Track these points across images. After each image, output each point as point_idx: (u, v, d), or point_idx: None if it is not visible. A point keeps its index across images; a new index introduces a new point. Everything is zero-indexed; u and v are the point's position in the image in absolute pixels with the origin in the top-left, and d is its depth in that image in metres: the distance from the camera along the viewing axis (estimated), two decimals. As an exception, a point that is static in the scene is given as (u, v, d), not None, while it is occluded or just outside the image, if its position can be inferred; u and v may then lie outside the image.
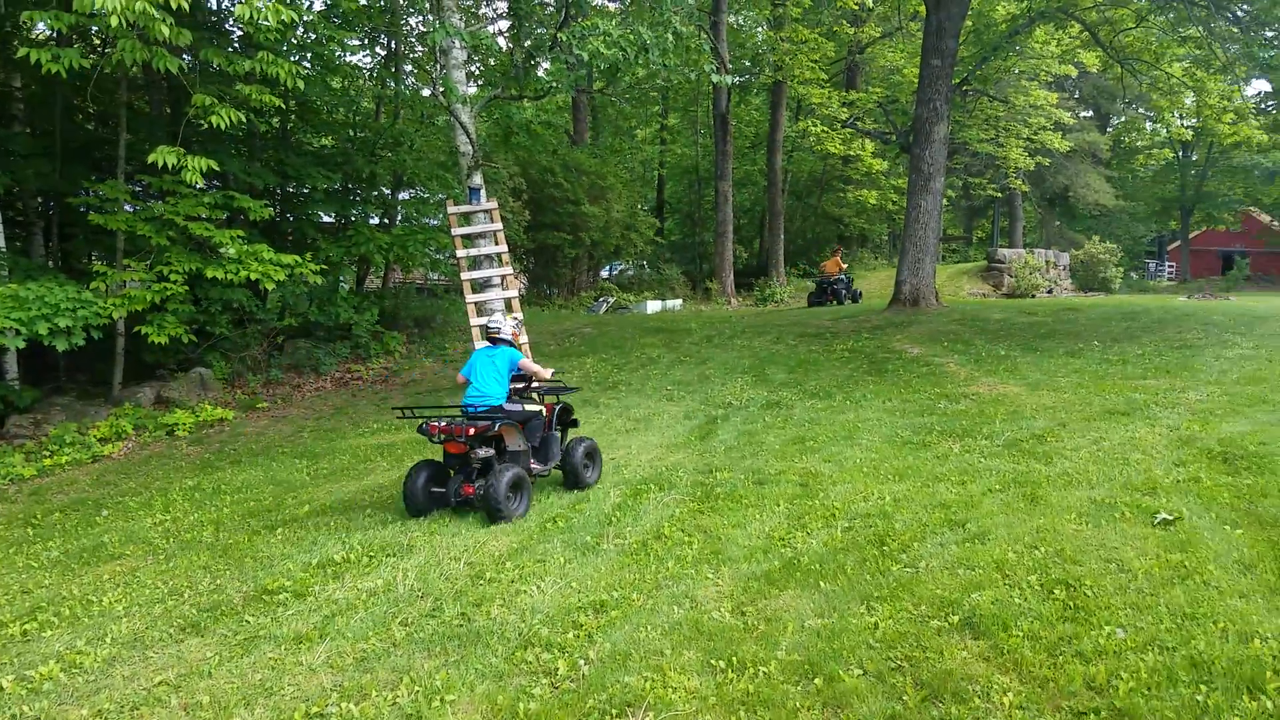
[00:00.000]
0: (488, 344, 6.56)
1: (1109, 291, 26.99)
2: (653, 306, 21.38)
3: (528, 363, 6.46)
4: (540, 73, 10.52)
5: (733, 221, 24.79)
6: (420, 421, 6.05)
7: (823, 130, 23.08)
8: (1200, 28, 12.99)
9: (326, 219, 14.22)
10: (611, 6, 24.88)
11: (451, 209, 10.68)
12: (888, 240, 37.58)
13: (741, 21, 27.98)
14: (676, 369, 12.03)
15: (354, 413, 10.62)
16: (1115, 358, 10.59)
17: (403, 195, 15.28)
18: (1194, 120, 26.93)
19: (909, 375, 10.47)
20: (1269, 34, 11.25)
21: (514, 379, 6.44)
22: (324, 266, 10.72)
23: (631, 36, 8.76)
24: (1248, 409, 7.40)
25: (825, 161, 28.48)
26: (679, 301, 22.64)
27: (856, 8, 20.82)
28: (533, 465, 6.37)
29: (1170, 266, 47.30)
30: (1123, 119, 44.36)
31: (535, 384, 6.75)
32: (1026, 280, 23.34)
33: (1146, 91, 19.80)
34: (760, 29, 24.68)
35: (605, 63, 8.88)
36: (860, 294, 21.87)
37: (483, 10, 21.32)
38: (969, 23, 17.73)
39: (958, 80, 16.87)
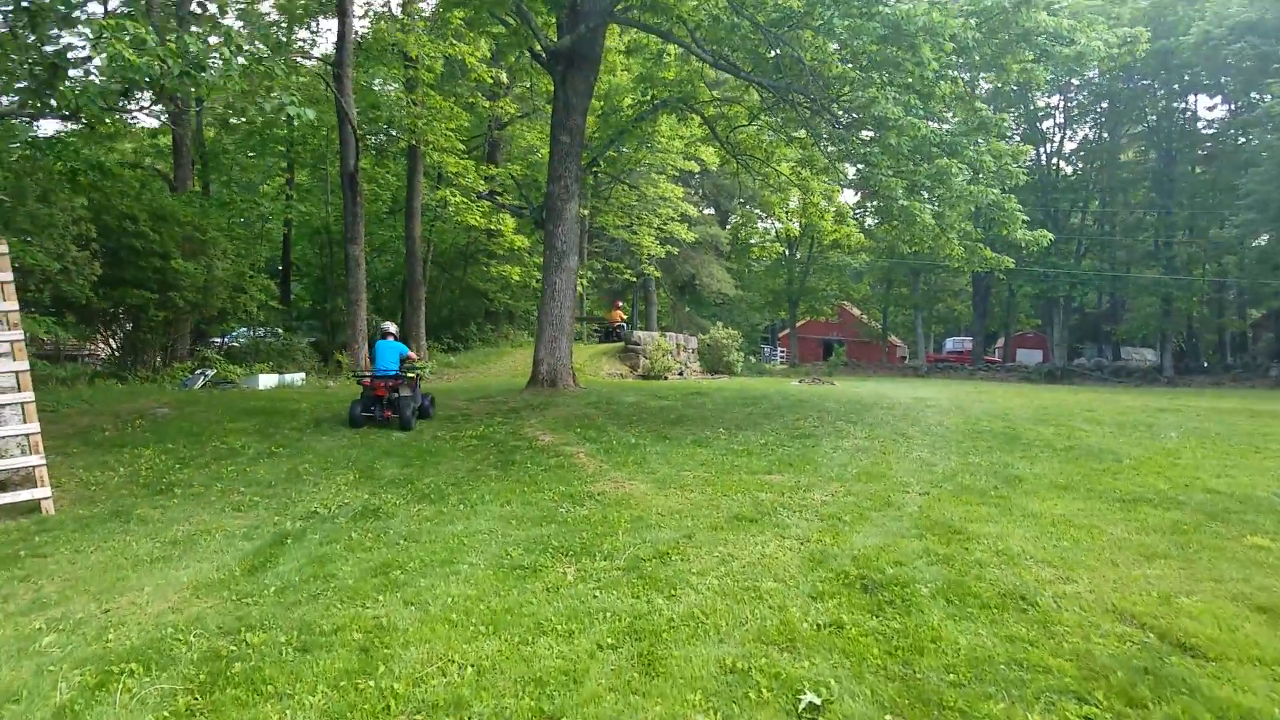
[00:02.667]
0: (382, 337, 12.53)
1: (733, 374, 29.13)
2: (266, 381, 18.31)
3: (410, 353, 12.62)
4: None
5: (368, 289, 22.62)
6: (358, 378, 12.37)
7: (461, 201, 22.06)
8: (805, 130, 14.14)
9: None
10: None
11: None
12: (537, 318, 37.73)
13: (379, 83, 26.35)
14: (263, 464, 9.65)
15: None
16: (740, 448, 10.44)
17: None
18: (801, 218, 30.77)
19: (536, 469, 9.31)
20: (865, 134, 12.39)
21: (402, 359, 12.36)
22: None
23: (174, 45, 6.71)
24: (874, 513, 7.21)
25: (469, 234, 27.55)
26: (301, 375, 19.74)
27: (491, 82, 20.35)
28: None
29: (782, 351, 53.81)
30: (738, 217, 50.04)
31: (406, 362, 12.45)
32: (660, 362, 24.14)
33: (759, 189, 21.73)
34: (392, 88, 23.28)
35: (137, 73, 6.69)
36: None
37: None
38: (598, 103, 17.98)
39: (587, 161, 16.86)
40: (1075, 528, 6.92)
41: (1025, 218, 13.10)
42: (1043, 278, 42.03)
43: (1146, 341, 50.46)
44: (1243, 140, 42.51)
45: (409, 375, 12.18)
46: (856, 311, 57.84)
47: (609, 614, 4.84)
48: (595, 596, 5.15)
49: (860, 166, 13.13)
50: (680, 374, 25.72)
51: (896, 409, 15.08)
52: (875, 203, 14.97)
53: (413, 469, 9.42)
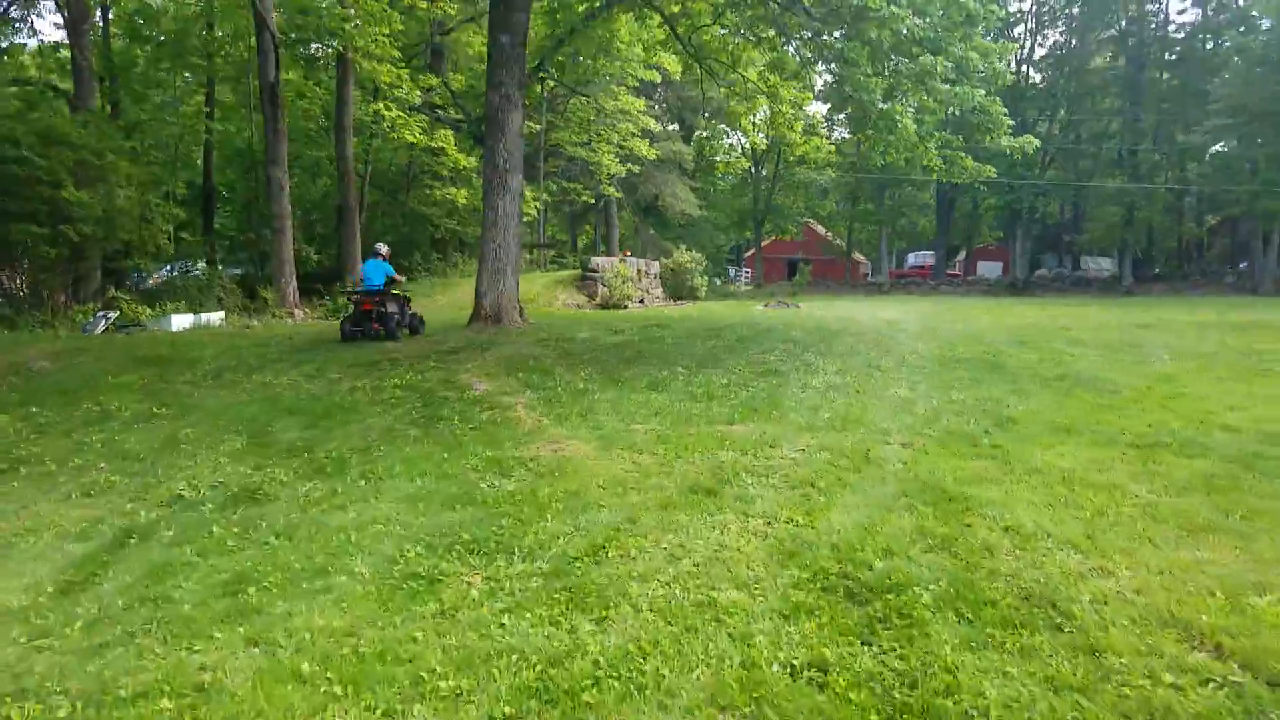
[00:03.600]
0: (373, 256, 13.88)
1: (697, 299, 27.82)
2: (180, 322, 16.61)
3: (395, 274, 13.80)
4: None
5: (300, 215, 20.71)
6: (348, 294, 14.60)
7: (397, 115, 20.01)
8: (775, 29, 12.46)
9: None
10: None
11: None
12: (479, 245, 35.78)
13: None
14: (138, 430, 8.19)
15: None
16: (700, 391, 9.19)
17: None
18: (769, 130, 29.02)
19: (464, 426, 7.99)
20: (838, 34, 10.82)
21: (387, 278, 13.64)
22: None
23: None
24: (853, 475, 6.01)
25: (411, 153, 25.41)
26: (219, 315, 18.01)
27: (427, -21, 18.16)
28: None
29: (747, 272, 52.45)
30: (704, 132, 47.95)
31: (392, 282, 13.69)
32: (619, 290, 22.70)
33: (725, 96, 19.93)
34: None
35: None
36: None
37: None
38: (543, 2, 16.02)
39: (533, 65, 15.01)
40: (1091, 488, 5.79)
41: (1011, 123, 11.76)
42: (1007, 189, 40.93)
43: (1104, 251, 49.98)
44: (1212, 45, 41.35)
45: (394, 293, 13.47)
46: (821, 230, 56.52)
47: (515, 656, 3.59)
48: (503, 625, 3.89)
49: (833, 66, 11.55)
50: (641, 302, 24.33)
51: (866, 336, 13.94)
52: (849, 111, 13.28)
53: (317, 430, 8.03)
